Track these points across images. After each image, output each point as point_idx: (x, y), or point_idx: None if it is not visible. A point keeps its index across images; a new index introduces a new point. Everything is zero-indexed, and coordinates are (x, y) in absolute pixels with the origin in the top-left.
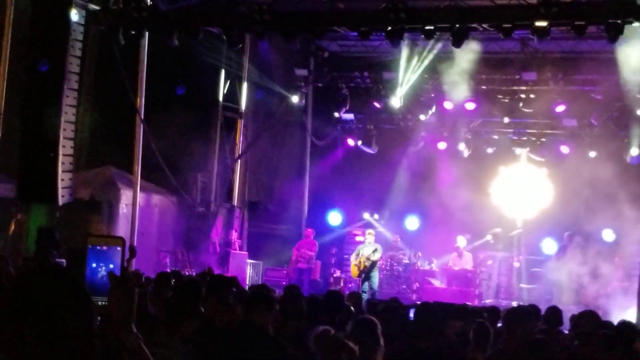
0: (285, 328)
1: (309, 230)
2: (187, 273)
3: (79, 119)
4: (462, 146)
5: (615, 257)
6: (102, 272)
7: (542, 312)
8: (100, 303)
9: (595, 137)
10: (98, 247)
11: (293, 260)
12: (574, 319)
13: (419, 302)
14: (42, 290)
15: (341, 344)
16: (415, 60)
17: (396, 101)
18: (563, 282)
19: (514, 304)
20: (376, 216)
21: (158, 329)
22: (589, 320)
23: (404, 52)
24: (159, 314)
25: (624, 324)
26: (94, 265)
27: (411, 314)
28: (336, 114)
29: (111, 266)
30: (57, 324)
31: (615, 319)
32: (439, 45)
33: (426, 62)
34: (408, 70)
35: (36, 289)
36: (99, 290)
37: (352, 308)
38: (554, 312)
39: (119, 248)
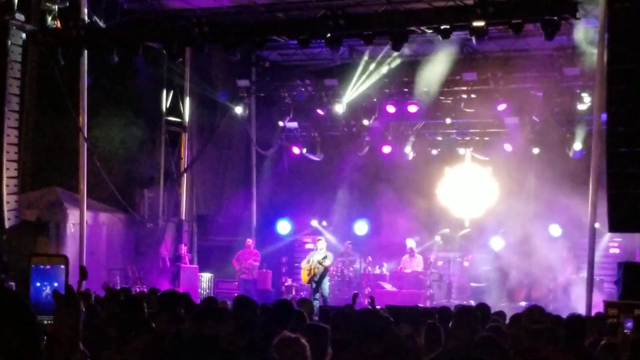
0: (238, 339)
1: (249, 240)
2: (138, 290)
3: (21, 140)
4: (407, 149)
5: (564, 252)
6: (47, 291)
7: (492, 311)
8: (45, 322)
9: (537, 134)
10: (42, 266)
11: (237, 271)
12: (523, 314)
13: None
14: None
15: (292, 341)
16: (368, 67)
17: (340, 107)
18: (509, 278)
19: (464, 303)
20: (324, 223)
21: (109, 346)
22: (538, 315)
23: (363, 60)
24: (109, 331)
25: (573, 318)
26: (38, 284)
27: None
28: (280, 123)
29: (55, 285)
30: (2, 346)
31: (565, 313)
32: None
33: (383, 69)
34: (366, 78)
35: None
36: (45, 309)
37: (304, 314)
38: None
39: (62, 266)
